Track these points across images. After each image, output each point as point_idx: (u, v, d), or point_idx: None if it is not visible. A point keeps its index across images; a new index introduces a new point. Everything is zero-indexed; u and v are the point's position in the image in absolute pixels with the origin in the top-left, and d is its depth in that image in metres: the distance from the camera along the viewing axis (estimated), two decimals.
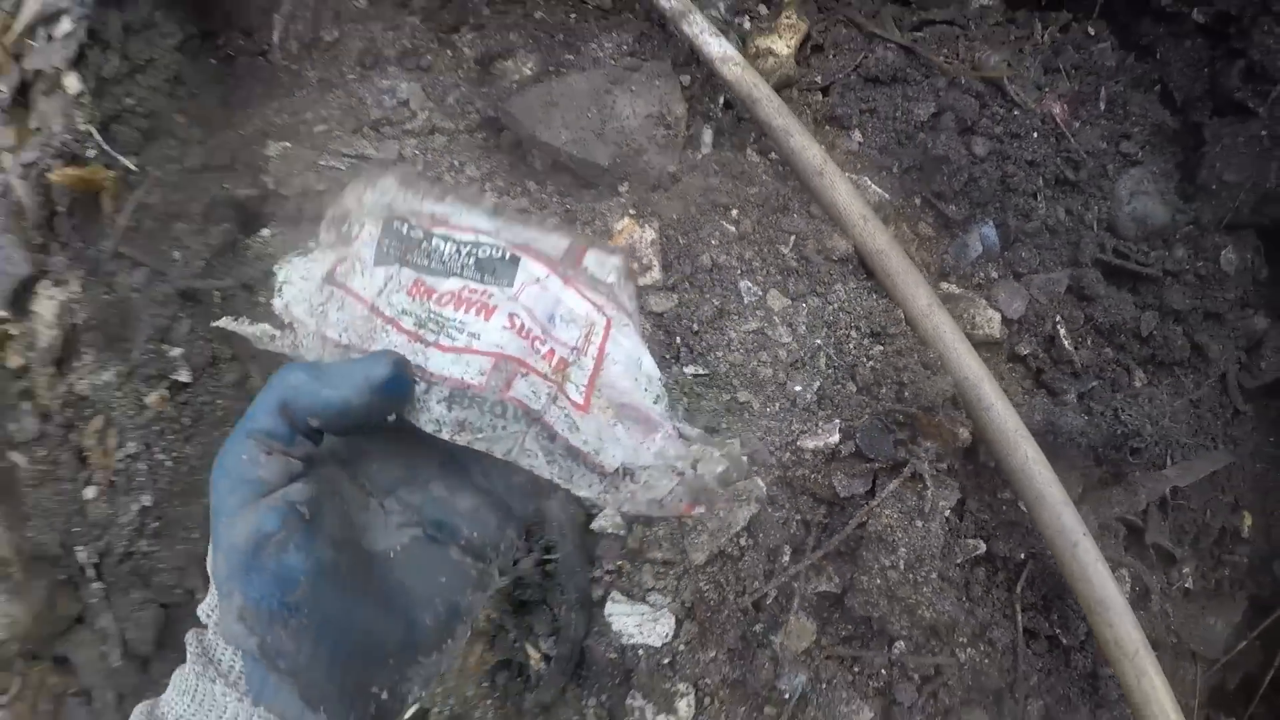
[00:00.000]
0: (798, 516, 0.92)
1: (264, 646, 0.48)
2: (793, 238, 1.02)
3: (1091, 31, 1.23)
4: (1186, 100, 1.20)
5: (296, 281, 0.66)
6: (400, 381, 0.52)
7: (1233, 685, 1.27)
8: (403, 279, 0.61)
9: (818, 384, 0.93)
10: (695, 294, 0.94)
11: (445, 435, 0.55)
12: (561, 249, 0.63)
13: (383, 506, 0.56)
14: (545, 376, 0.58)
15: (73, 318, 1.04)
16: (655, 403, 0.61)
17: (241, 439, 0.50)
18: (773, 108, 1.07)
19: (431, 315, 0.59)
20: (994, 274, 1.12)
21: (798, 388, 0.92)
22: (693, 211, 1.00)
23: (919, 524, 0.90)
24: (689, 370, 0.91)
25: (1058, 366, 1.11)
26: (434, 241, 0.62)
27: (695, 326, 0.91)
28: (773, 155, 1.11)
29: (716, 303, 0.94)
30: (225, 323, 0.67)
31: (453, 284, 0.60)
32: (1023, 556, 1.03)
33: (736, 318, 0.93)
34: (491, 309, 0.58)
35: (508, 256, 0.60)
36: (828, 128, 1.15)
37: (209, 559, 0.50)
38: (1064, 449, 1.07)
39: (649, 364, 0.61)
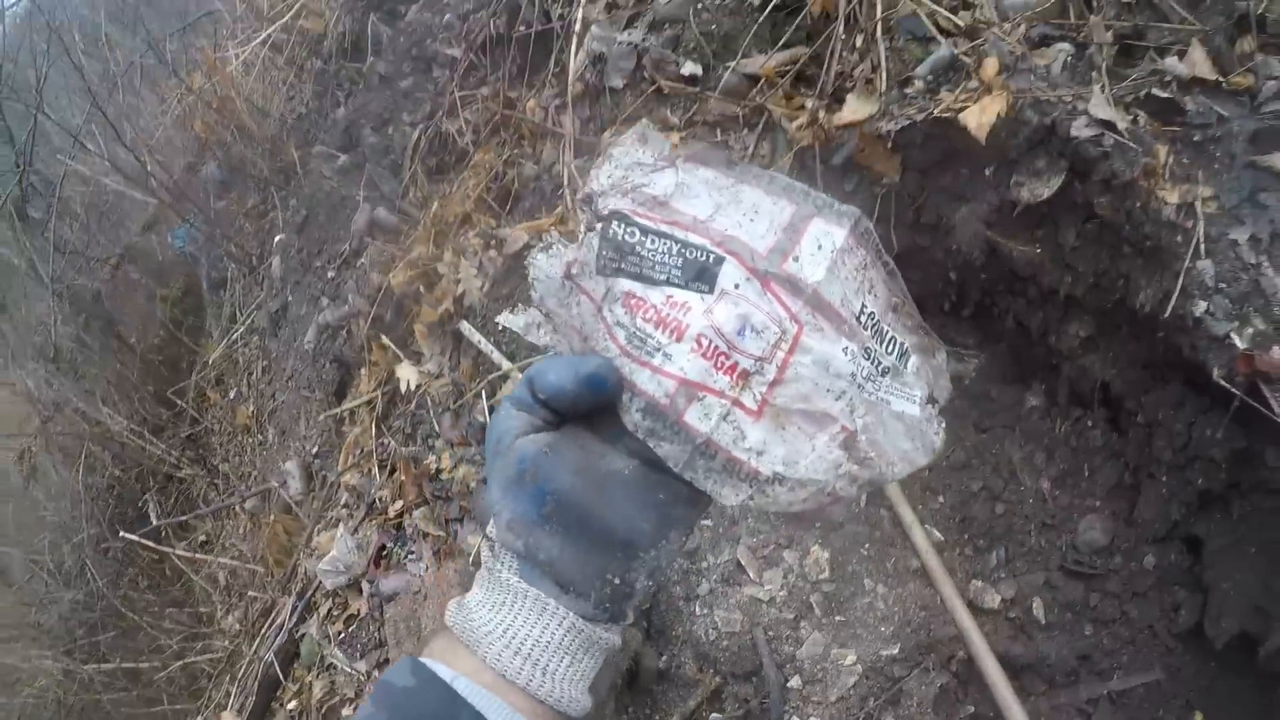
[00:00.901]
0: None
1: (527, 547, 0.68)
2: (893, 558, 2.07)
3: (1090, 423, 2.14)
4: (1138, 465, 2.08)
5: (543, 278, 0.75)
6: (601, 381, 0.68)
7: None
8: (618, 291, 0.69)
9: None
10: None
11: (640, 436, 0.68)
12: (784, 220, 0.70)
13: (614, 447, 0.71)
14: (722, 394, 0.66)
15: None
16: (837, 399, 0.67)
17: (505, 403, 0.71)
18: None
19: (638, 331, 0.67)
20: (1000, 575, 2.09)
21: None
22: (847, 543, 2.09)
23: None
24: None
25: (1032, 624, 2.05)
26: (648, 244, 0.69)
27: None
28: (891, 510, 2.17)
29: (851, 591, 2.02)
30: (503, 318, 0.81)
31: (658, 295, 0.68)
32: None
33: (860, 597, 2.01)
34: (684, 329, 0.67)
35: (712, 259, 0.68)
36: (926, 494, 2.17)
37: (487, 490, 0.70)
38: (1034, 667, 2.02)
39: (840, 363, 0.68)
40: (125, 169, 5.01)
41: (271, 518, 3.72)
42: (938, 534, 2.12)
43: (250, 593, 3.88)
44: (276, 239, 4.26)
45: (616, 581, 0.69)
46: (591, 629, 0.68)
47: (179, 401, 5.45)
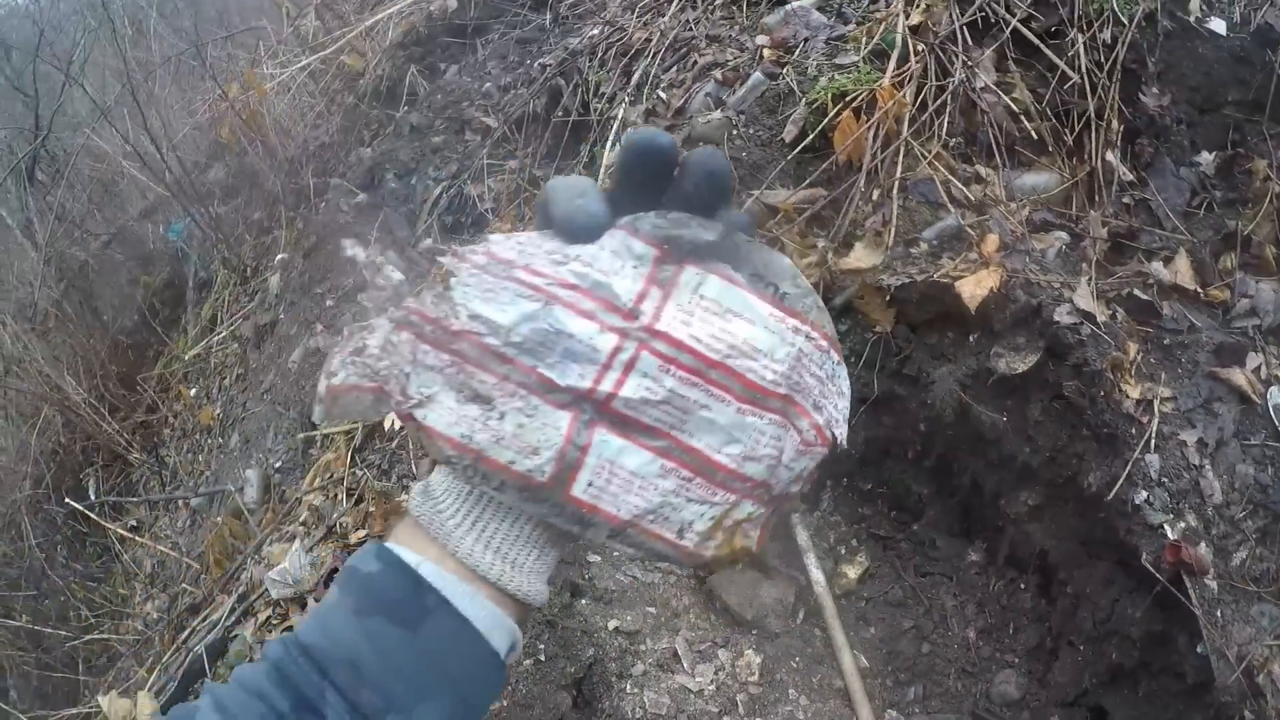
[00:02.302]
0: None
1: None
2: (820, 674, 2.17)
3: (1023, 586, 2.27)
4: (1060, 632, 2.20)
5: None
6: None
7: None
8: None
9: None
10: None
11: None
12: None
13: None
14: None
15: None
16: None
17: None
18: (829, 610, 2.22)
19: None
20: (916, 709, 2.18)
21: None
22: (779, 654, 2.17)
23: None
24: None
25: None
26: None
27: None
28: (824, 631, 2.27)
29: (775, 699, 2.11)
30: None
31: None
32: None
33: (781, 704, 2.10)
34: None
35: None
36: (859, 622, 2.27)
37: None
38: None
39: None
40: (143, 153, 5.06)
41: (220, 519, 3.71)
42: (864, 660, 2.22)
43: (183, 585, 3.86)
44: (278, 256, 4.32)
45: None
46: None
47: (143, 387, 5.43)
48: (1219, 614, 1.88)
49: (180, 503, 4.42)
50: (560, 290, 0.59)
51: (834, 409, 0.64)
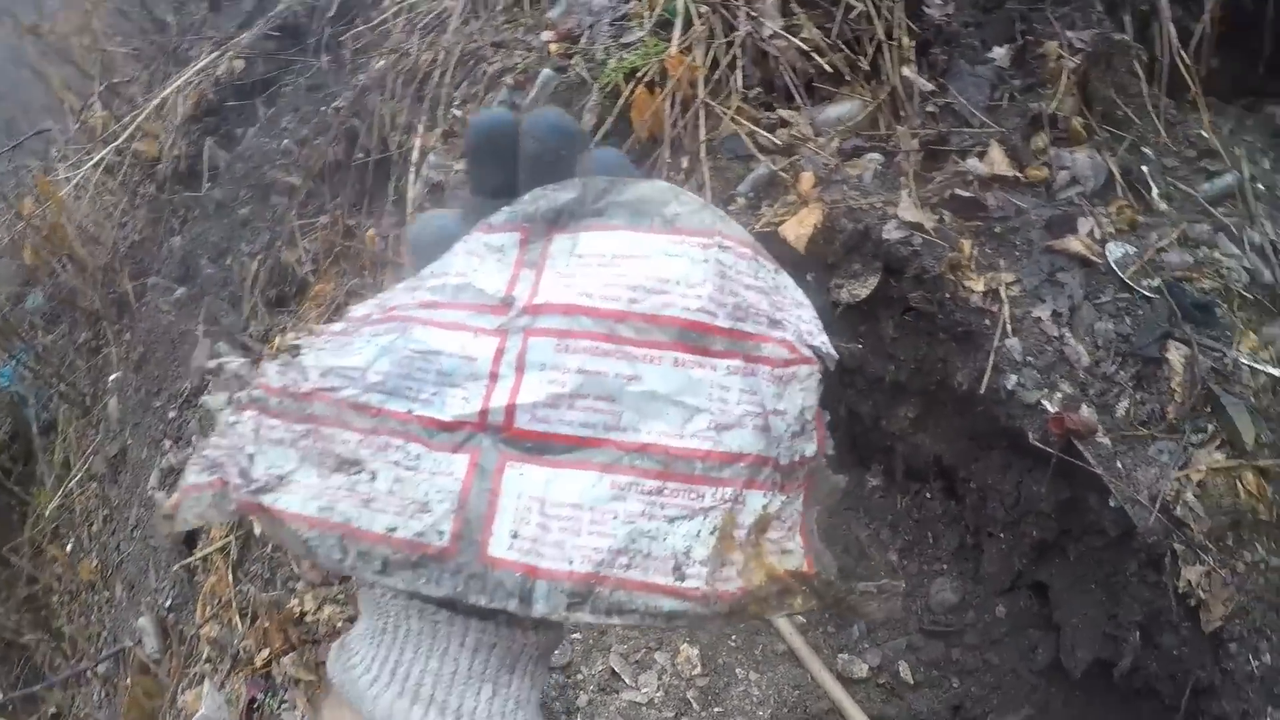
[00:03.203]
0: None
1: None
2: (761, 645, 2.17)
3: (929, 495, 2.33)
4: (977, 527, 2.26)
5: None
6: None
7: None
8: None
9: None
10: None
11: None
12: None
13: None
14: None
15: None
16: None
17: None
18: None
19: None
20: (865, 645, 2.21)
21: None
22: (714, 638, 2.17)
23: None
24: None
25: (902, 685, 2.18)
26: None
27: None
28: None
29: (725, 683, 2.11)
30: None
31: None
32: None
33: (734, 686, 2.10)
34: None
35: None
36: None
37: None
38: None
39: None
40: None
41: (129, 681, 3.51)
42: (799, 617, 2.24)
43: None
44: (112, 377, 4.10)
45: None
46: (512, 634, 0.50)
47: (14, 559, 5.10)
48: (1119, 465, 1.94)
49: (89, 674, 4.17)
50: (418, 311, 0.50)
51: (798, 320, 0.52)
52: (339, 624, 2.28)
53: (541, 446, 0.46)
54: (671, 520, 0.46)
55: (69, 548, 4.64)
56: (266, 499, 0.48)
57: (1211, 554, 1.89)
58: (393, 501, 0.46)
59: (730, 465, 0.47)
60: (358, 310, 0.53)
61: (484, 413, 0.47)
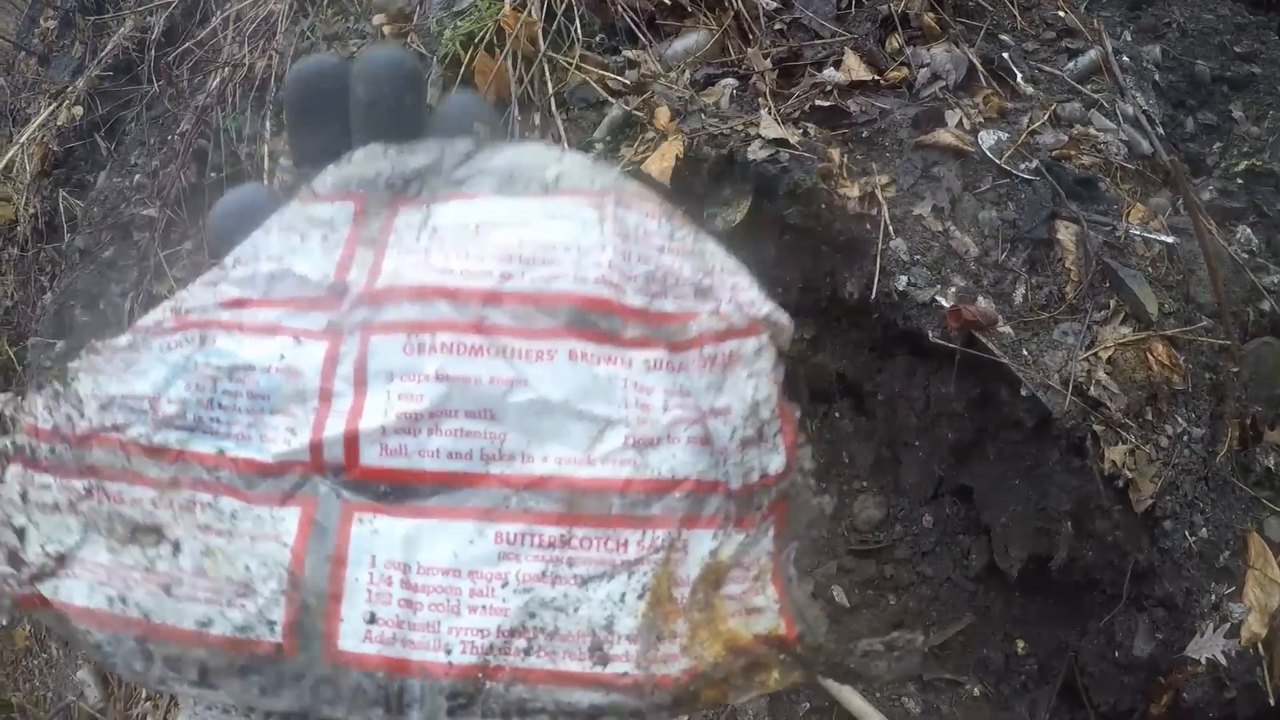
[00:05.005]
0: None
1: None
2: None
3: (838, 414, 2.19)
4: (892, 439, 2.13)
5: None
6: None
7: None
8: None
9: None
10: None
11: None
12: None
13: None
14: None
15: None
16: None
17: None
18: None
19: None
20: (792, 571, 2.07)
21: None
22: None
23: None
24: None
25: (838, 609, 2.05)
26: None
27: None
28: None
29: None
30: None
31: None
32: None
33: None
34: None
35: None
36: None
37: None
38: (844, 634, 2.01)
39: None
40: None
41: None
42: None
43: None
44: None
45: None
46: None
47: None
48: (1025, 352, 1.84)
49: None
50: (220, 313, 0.36)
51: (733, 287, 0.38)
52: None
53: (399, 490, 0.33)
54: (584, 582, 0.32)
55: (4, 621, 4.36)
56: (45, 588, 0.35)
57: (1133, 431, 1.80)
58: (203, 584, 0.33)
59: (661, 497, 0.33)
60: (147, 318, 0.38)
61: (316, 446, 0.33)
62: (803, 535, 0.39)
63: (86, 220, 3.66)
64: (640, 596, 0.32)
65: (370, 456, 0.33)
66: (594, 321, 0.34)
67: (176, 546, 0.34)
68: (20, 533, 0.35)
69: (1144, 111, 2.29)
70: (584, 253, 0.34)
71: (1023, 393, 1.82)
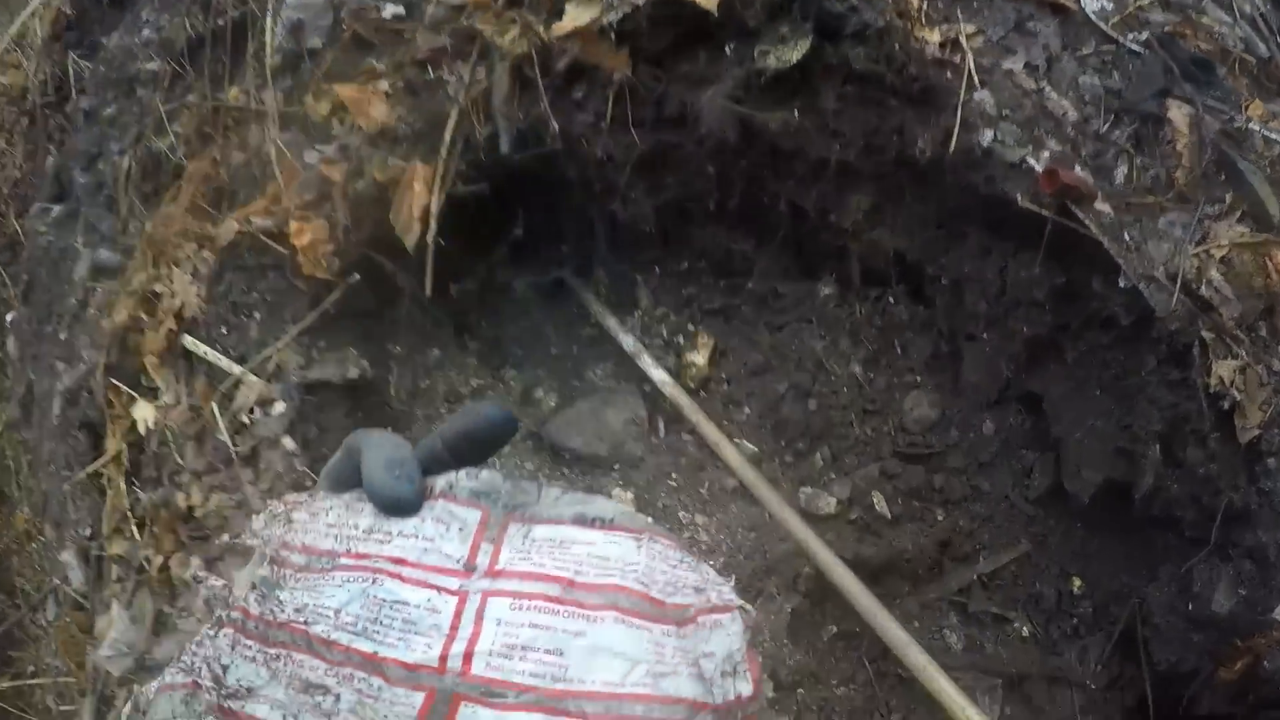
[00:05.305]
0: None
1: None
2: (707, 482, 1.75)
3: (892, 300, 1.88)
4: (949, 334, 1.83)
5: None
6: None
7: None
8: None
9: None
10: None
11: None
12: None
13: None
14: None
15: None
16: None
17: None
18: (690, 410, 1.80)
19: None
20: (831, 475, 1.80)
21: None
22: (650, 478, 1.74)
23: None
24: None
25: (879, 520, 1.77)
26: None
27: None
28: (695, 432, 1.84)
29: (666, 526, 1.68)
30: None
31: None
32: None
33: (678, 533, 1.67)
34: None
35: None
36: (729, 407, 1.87)
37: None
38: (892, 566, 1.73)
39: None
40: None
41: (67, 619, 3.15)
42: (750, 445, 1.82)
43: (62, 707, 3.29)
44: (9, 317, 3.63)
45: None
46: None
47: None
48: (1126, 237, 1.53)
49: (29, 622, 3.78)
50: (388, 565, 0.54)
51: (716, 590, 0.58)
52: (227, 513, 1.91)
53: (491, 691, 0.50)
54: None
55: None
56: (235, 704, 0.51)
57: (1245, 346, 1.49)
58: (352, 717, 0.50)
59: (668, 707, 0.51)
60: (313, 538, 0.57)
61: (444, 658, 0.51)
62: None
63: (93, 80, 3.42)
64: None
65: (478, 668, 0.51)
66: (633, 603, 0.54)
67: (338, 697, 0.50)
68: (224, 669, 0.52)
69: (1261, 14, 1.94)
70: (628, 564, 0.56)
71: (1121, 284, 1.51)
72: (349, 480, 0.60)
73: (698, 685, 0.52)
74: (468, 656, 0.50)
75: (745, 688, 0.54)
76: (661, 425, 1.87)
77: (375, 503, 0.57)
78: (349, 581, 0.53)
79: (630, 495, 1.72)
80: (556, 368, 1.98)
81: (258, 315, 1.85)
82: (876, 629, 1.61)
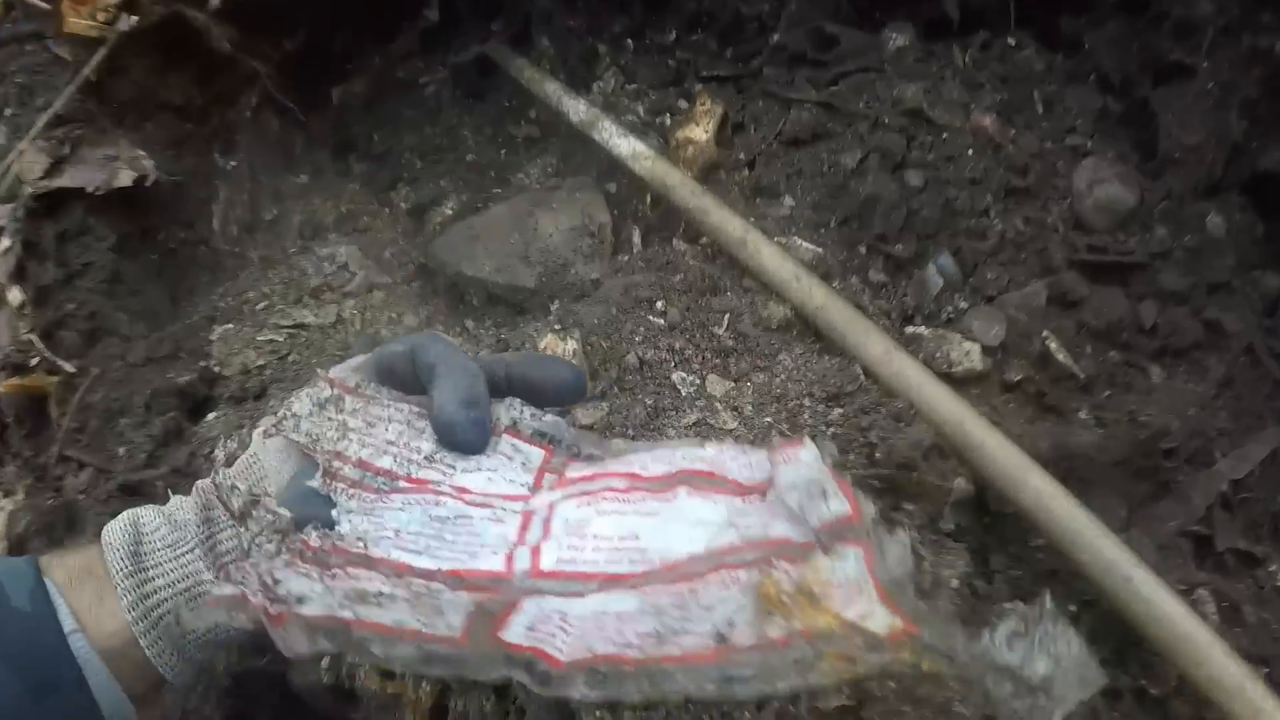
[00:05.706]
0: None
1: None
2: (726, 316, 0.90)
3: (1013, 42, 1.11)
4: (1124, 80, 1.07)
5: None
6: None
7: None
8: None
9: None
10: (626, 397, 0.82)
11: None
12: None
13: None
14: None
15: (18, 527, 0.95)
16: None
17: None
18: (686, 191, 0.97)
19: None
20: (962, 304, 0.97)
21: None
22: (614, 312, 0.89)
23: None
24: None
25: (1059, 384, 0.94)
26: None
27: (630, 432, 0.78)
28: (701, 240, 1.00)
29: (650, 401, 0.81)
30: None
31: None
32: (1074, 608, 0.85)
33: (674, 413, 0.80)
34: None
35: None
36: (758, 200, 1.04)
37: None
38: (1090, 472, 0.91)
39: None
40: None
41: None
42: (808, 246, 0.97)
43: None
44: None
45: None
46: None
47: None
48: None
49: None
50: (451, 490, 0.55)
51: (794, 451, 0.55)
52: None
53: (565, 585, 0.48)
54: (709, 608, 0.45)
55: None
56: (281, 607, 0.49)
57: None
58: (407, 608, 0.47)
59: (755, 544, 0.48)
60: (371, 455, 0.56)
61: (509, 558, 0.50)
62: (894, 570, 0.46)
63: None
64: (753, 608, 0.45)
65: (548, 564, 0.49)
66: (704, 482, 0.54)
67: (393, 597, 0.48)
68: (275, 580, 0.50)
69: None
70: (697, 456, 0.56)
71: None
72: (403, 381, 0.60)
73: (790, 525, 0.49)
74: (535, 551, 0.50)
75: (841, 507, 0.49)
76: (636, 234, 1.04)
77: (443, 438, 0.56)
78: (410, 505, 0.53)
79: (572, 346, 0.85)
80: (472, 179, 1.19)
81: (7, 111, 1.17)
82: (1105, 584, 0.77)
